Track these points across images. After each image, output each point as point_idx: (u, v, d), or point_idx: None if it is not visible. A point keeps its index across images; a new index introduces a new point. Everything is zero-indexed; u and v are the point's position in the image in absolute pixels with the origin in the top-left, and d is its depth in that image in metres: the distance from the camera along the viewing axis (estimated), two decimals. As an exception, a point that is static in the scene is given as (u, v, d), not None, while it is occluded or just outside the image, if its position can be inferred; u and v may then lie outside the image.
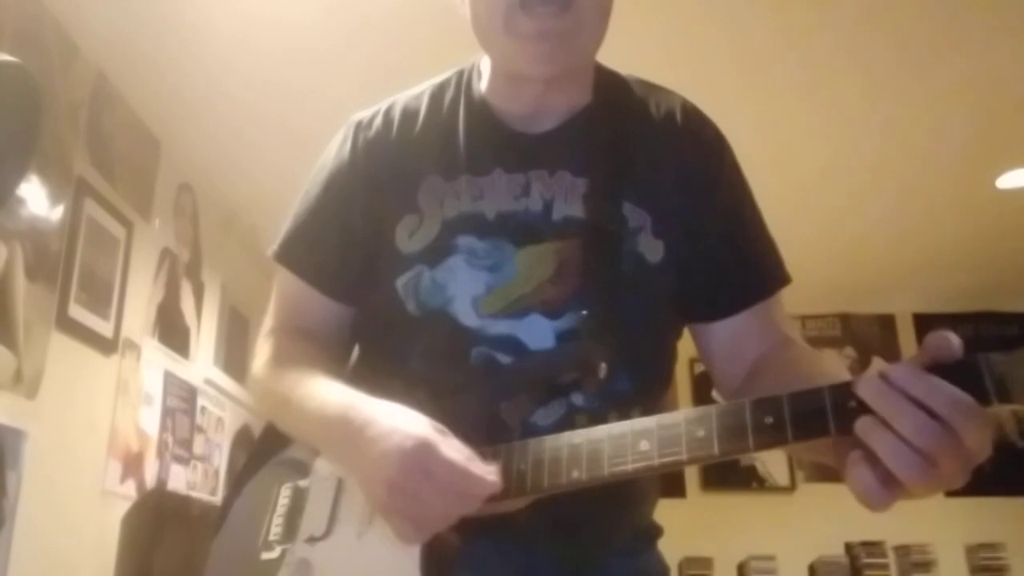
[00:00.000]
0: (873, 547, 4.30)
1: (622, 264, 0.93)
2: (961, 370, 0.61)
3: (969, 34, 2.53)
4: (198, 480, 3.21)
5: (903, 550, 4.29)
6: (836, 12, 2.43)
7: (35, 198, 2.22)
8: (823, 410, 0.65)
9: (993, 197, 3.53)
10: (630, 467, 0.73)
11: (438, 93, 1.05)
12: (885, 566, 4.29)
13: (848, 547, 4.33)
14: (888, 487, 0.62)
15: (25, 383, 2.15)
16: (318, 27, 2.42)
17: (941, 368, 0.62)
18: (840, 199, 3.54)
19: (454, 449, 0.77)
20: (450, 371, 0.91)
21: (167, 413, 2.97)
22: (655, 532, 1.03)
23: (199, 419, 3.25)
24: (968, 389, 0.60)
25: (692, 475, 4.56)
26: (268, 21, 2.40)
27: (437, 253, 0.95)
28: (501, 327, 0.91)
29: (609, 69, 1.05)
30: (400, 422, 0.80)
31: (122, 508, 2.59)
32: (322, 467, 0.95)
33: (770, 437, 0.66)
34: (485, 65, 1.04)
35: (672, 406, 0.81)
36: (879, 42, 2.56)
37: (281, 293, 1.08)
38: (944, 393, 0.60)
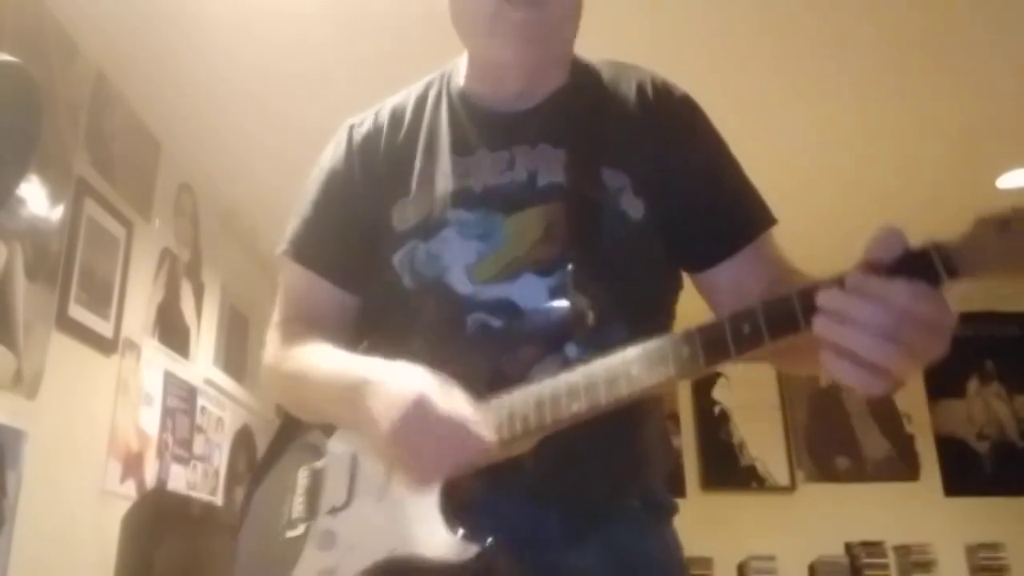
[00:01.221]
0: (873, 547, 4.28)
1: (605, 221, 0.98)
2: (913, 259, 0.69)
3: (969, 32, 2.53)
4: (198, 480, 3.21)
5: (903, 550, 4.28)
6: (831, 10, 2.43)
7: (35, 198, 2.22)
8: (792, 310, 0.72)
9: (993, 197, 3.53)
10: (625, 391, 0.79)
11: (423, 92, 1.13)
12: (885, 566, 4.28)
13: (848, 547, 4.31)
14: (870, 370, 0.68)
15: (25, 383, 2.15)
16: (320, 18, 2.42)
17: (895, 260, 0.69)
18: (838, 198, 3.54)
19: (453, 403, 0.83)
20: (448, 341, 0.95)
21: (167, 413, 2.97)
22: (667, 507, 1.05)
23: (199, 419, 3.25)
24: (920, 273, 0.68)
25: (692, 475, 4.56)
26: (269, 13, 2.39)
27: (430, 227, 1.00)
28: (494, 291, 0.96)
29: (582, 58, 1.11)
30: (403, 378, 0.87)
31: (122, 508, 2.58)
32: (336, 446, 1.00)
33: (749, 342, 0.74)
34: (464, 61, 1.11)
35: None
36: (876, 40, 2.56)
37: (289, 289, 1.13)
38: (893, 285, 0.67)
